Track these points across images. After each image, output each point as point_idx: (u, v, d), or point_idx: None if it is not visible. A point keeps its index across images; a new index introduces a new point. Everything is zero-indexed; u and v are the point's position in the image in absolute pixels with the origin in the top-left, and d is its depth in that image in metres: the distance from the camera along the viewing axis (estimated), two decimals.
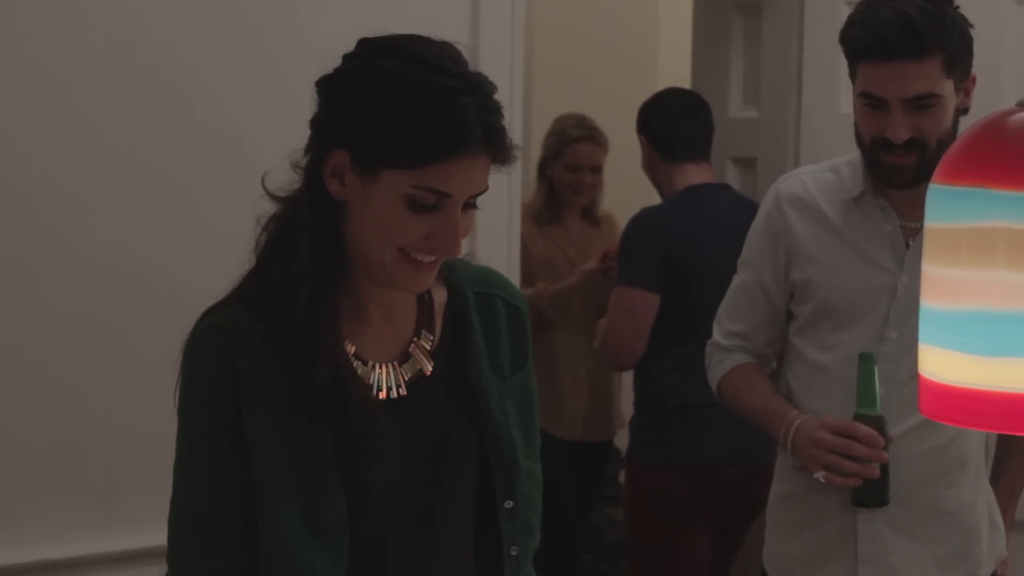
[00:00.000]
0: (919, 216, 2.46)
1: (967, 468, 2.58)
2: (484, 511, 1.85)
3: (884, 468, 2.45)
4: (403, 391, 1.79)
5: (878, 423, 2.44)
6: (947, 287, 1.17)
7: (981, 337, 1.15)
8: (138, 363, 2.75)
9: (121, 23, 2.72)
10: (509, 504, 1.84)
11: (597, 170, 4.67)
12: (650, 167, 3.90)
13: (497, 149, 1.68)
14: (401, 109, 1.64)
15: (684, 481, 3.66)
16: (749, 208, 3.73)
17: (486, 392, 1.84)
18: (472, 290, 1.88)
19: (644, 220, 3.75)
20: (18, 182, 2.66)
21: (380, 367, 1.79)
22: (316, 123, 1.75)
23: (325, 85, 1.75)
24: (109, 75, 2.71)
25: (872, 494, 2.47)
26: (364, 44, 1.76)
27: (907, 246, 2.54)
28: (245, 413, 1.72)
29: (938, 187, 1.19)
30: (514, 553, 1.86)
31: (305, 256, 1.72)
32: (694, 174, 3.77)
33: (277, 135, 2.76)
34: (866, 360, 2.43)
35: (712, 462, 3.68)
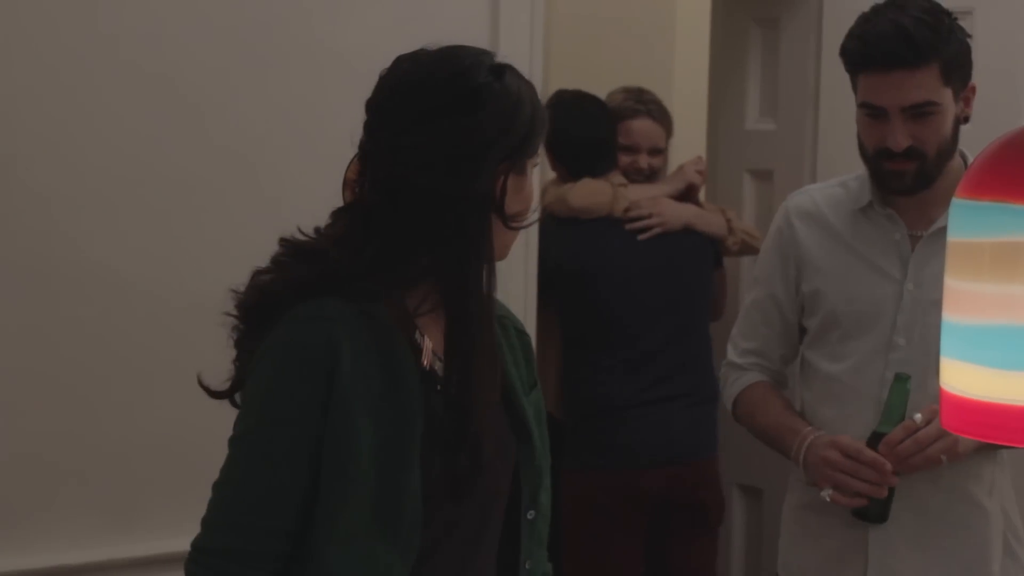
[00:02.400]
0: (924, 225, 2.54)
1: (981, 483, 2.58)
2: (506, 524, 1.89)
3: (891, 489, 2.46)
4: None
5: None
6: (969, 301, 1.17)
7: (1003, 351, 1.15)
8: (155, 369, 2.75)
9: (132, 35, 2.73)
10: (531, 515, 1.90)
11: (656, 153, 4.02)
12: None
13: None
14: (530, 111, 1.83)
15: (609, 486, 3.65)
16: None
17: (520, 397, 1.91)
18: None
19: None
20: (32, 193, 2.67)
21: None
22: (480, 150, 1.81)
23: (463, 117, 1.80)
24: (122, 86, 2.72)
25: (873, 510, 2.50)
26: (450, 75, 1.82)
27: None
28: (337, 399, 1.74)
29: (961, 201, 1.19)
30: (528, 567, 1.90)
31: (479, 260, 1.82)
32: None
33: (290, 147, 2.79)
34: (901, 379, 2.45)
35: (641, 465, 3.68)
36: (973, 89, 2.53)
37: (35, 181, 2.66)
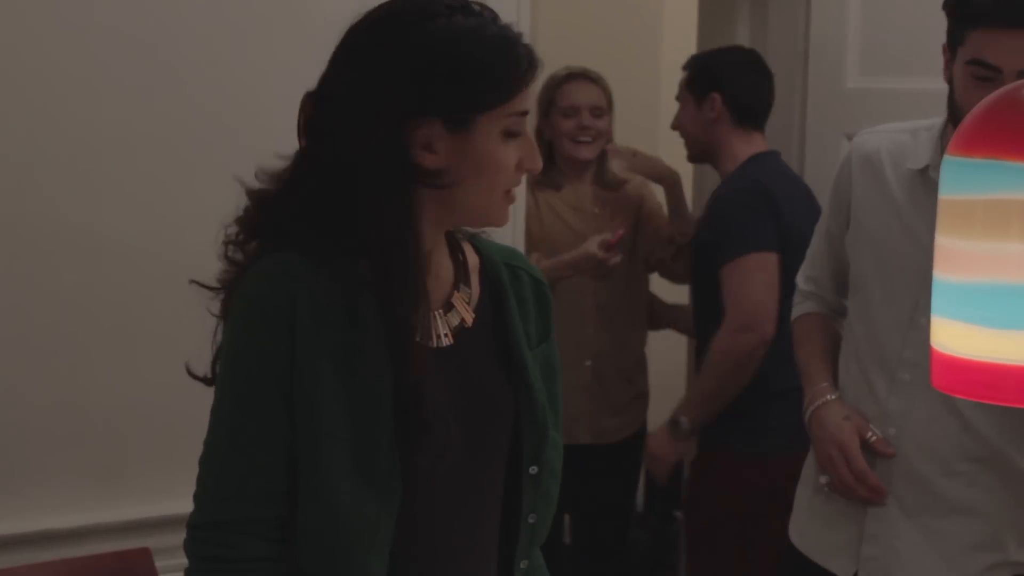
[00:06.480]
0: None
1: (994, 468, 2.49)
2: (508, 477, 1.87)
3: None
4: (449, 339, 1.82)
5: None
6: (961, 259, 1.17)
7: (995, 310, 1.15)
8: (142, 335, 2.75)
9: (119, 3, 2.71)
10: (534, 470, 1.87)
11: (599, 113, 3.97)
12: (708, 129, 3.67)
13: (538, 67, 1.79)
14: (473, 55, 1.72)
15: (784, 471, 3.38)
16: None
17: (522, 350, 1.87)
18: (501, 260, 1.93)
19: (750, 192, 3.54)
20: (22, 157, 2.65)
21: (428, 315, 1.80)
22: (386, 105, 1.72)
23: (371, 65, 1.73)
24: (99, 48, 2.70)
25: None
26: (390, 15, 1.76)
27: None
28: (300, 354, 1.72)
29: (953, 159, 1.18)
30: (532, 521, 1.89)
31: (392, 226, 1.73)
32: (759, 142, 3.63)
33: (271, 109, 2.77)
34: None
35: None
36: None
37: (13, 146, 2.64)
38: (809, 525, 2.66)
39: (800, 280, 2.80)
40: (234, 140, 2.79)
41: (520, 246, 3.21)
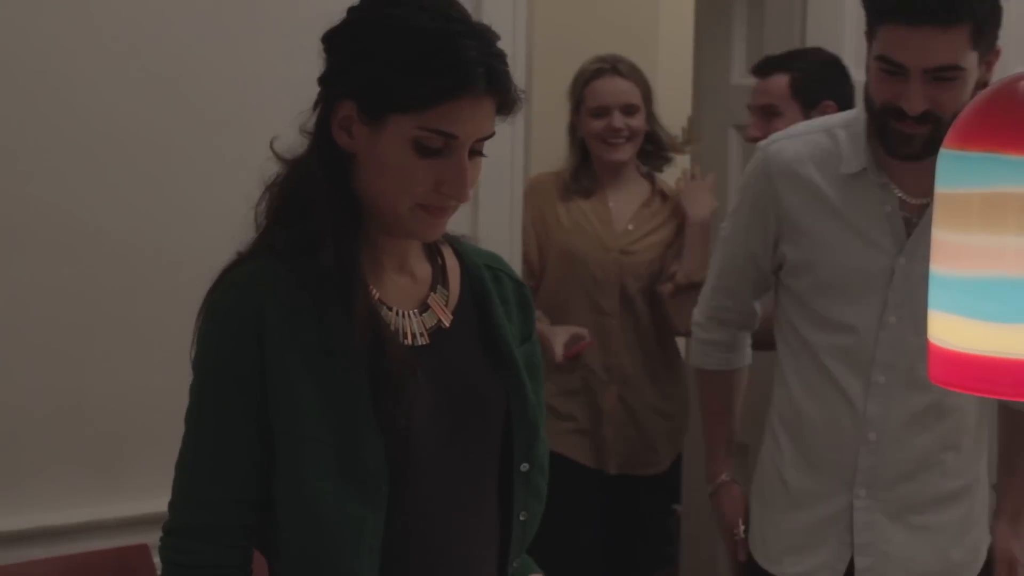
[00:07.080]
0: (926, 191, 2.34)
1: (962, 452, 2.52)
2: (499, 475, 1.88)
3: None
4: (425, 339, 1.81)
5: None
6: (958, 253, 1.17)
7: (992, 303, 1.15)
8: (139, 330, 2.74)
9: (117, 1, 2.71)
10: (525, 467, 1.87)
11: (631, 111, 3.68)
12: None
13: (501, 92, 1.72)
14: (404, 53, 1.68)
15: None
16: None
17: (510, 348, 1.87)
18: (482, 262, 1.93)
19: None
20: (13, 151, 2.64)
21: (402, 313, 1.81)
22: (323, 77, 1.78)
23: (330, 38, 1.78)
24: (107, 48, 2.69)
25: None
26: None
27: (908, 223, 2.43)
28: (272, 362, 1.72)
29: (949, 152, 1.18)
30: (523, 519, 1.89)
31: (322, 210, 1.74)
32: None
33: (273, 104, 2.76)
34: None
35: None
36: (998, 53, 2.36)
37: (7, 144, 2.63)
38: (775, 543, 2.65)
39: (709, 297, 2.77)
40: (233, 138, 2.78)
41: (516, 257, 3.17)
